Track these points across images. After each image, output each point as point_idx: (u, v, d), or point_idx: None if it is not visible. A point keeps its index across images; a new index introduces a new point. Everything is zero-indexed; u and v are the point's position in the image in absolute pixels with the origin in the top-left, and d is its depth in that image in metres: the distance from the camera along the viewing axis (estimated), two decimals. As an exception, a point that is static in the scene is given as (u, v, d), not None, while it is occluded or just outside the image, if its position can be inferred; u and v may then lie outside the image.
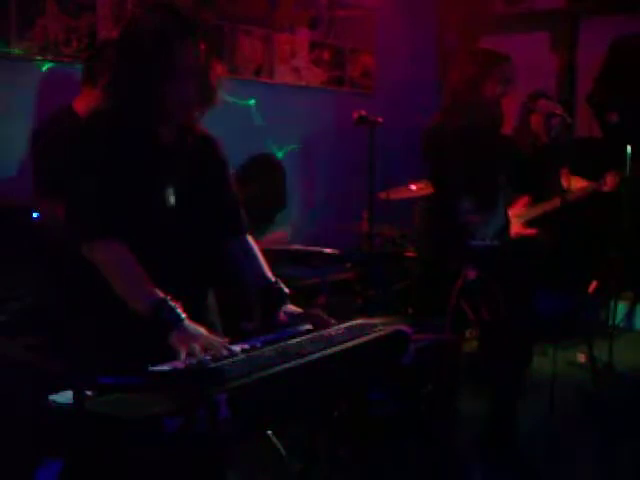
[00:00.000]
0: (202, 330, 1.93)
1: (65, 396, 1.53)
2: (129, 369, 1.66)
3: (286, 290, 2.21)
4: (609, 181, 4.30)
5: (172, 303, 1.92)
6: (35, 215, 3.22)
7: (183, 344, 1.85)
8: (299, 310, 2.18)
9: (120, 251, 1.97)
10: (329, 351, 1.81)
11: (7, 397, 2.43)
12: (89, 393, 1.52)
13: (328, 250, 4.05)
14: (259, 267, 2.25)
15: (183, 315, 1.92)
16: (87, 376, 1.57)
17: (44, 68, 3.78)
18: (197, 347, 1.83)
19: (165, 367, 1.76)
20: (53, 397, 1.55)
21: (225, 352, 1.83)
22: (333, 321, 2.12)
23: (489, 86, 3.21)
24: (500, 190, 3.46)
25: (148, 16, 2.01)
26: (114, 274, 1.97)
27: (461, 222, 3.19)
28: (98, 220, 1.99)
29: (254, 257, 2.27)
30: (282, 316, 2.15)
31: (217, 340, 1.90)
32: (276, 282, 2.22)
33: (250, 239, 2.29)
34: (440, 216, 3.31)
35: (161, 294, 1.93)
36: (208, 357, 1.79)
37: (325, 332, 2.10)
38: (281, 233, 4.49)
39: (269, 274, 2.25)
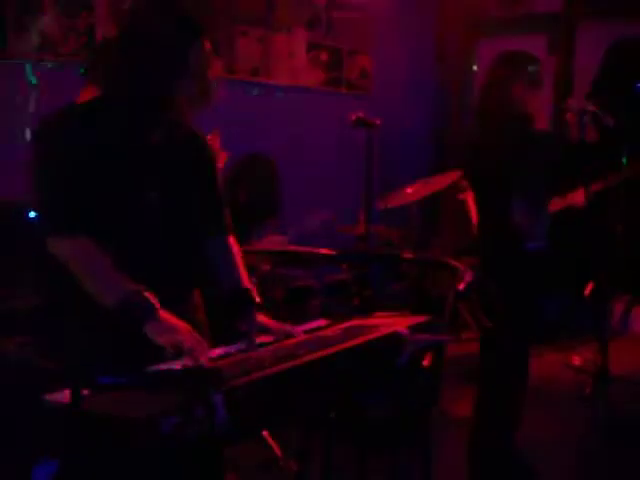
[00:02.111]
0: (182, 324, 1.89)
1: (62, 395, 1.53)
2: (126, 368, 1.66)
3: (257, 300, 2.13)
4: (577, 197, 4.16)
5: (144, 294, 1.86)
6: (32, 214, 3.21)
7: (161, 335, 1.82)
8: (267, 324, 2.10)
9: (85, 245, 1.93)
10: (325, 352, 1.81)
11: (3, 396, 2.42)
12: (86, 392, 1.52)
13: (324, 251, 4.04)
14: (234, 271, 2.18)
15: (156, 306, 1.87)
16: (84, 375, 1.57)
17: (42, 67, 3.78)
18: (179, 338, 1.81)
19: (162, 367, 1.76)
20: (49, 396, 1.55)
21: (202, 353, 1.81)
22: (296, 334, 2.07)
23: (518, 87, 3.18)
24: (546, 190, 3.40)
25: (153, 15, 1.98)
26: (80, 269, 1.93)
27: (515, 224, 3.13)
28: (64, 215, 1.95)
29: (232, 260, 2.20)
30: (244, 327, 2.06)
31: (198, 337, 1.87)
32: (248, 290, 2.14)
33: (232, 241, 2.23)
34: (493, 220, 3.24)
35: (132, 285, 1.88)
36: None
37: (322, 333, 2.11)
38: (278, 237, 4.48)
39: (244, 280, 2.17)
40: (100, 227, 1.96)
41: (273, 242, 4.47)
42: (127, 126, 2.02)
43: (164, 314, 1.88)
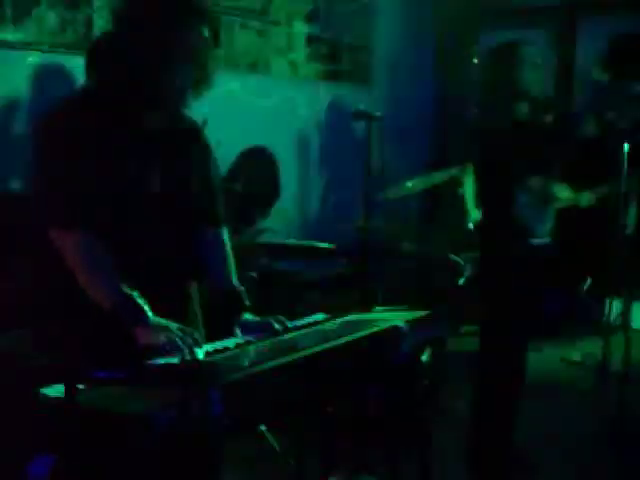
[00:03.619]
0: (171, 324, 1.88)
1: (56, 389, 1.51)
2: (122, 363, 1.65)
3: (246, 302, 2.13)
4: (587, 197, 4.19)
5: (137, 300, 1.87)
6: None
7: (150, 336, 1.82)
8: (254, 320, 2.10)
9: (87, 242, 1.92)
10: (323, 346, 1.79)
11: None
12: (81, 387, 1.50)
13: (323, 245, 4.03)
14: (224, 267, 2.17)
15: (148, 313, 1.87)
16: (79, 369, 1.55)
17: (39, 58, 3.75)
18: (163, 336, 1.81)
19: (158, 361, 1.74)
20: (44, 390, 1.53)
21: (190, 346, 1.80)
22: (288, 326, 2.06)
23: (521, 73, 3.13)
24: (552, 184, 3.37)
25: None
26: (79, 265, 1.93)
27: (519, 219, 3.10)
28: (66, 208, 1.93)
29: (222, 254, 2.19)
30: (237, 328, 2.07)
31: (190, 331, 1.87)
32: (238, 290, 2.14)
33: (225, 234, 2.22)
34: (496, 214, 3.20)
35: (126, 291, 1.88)
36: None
37: (320, 327, 2.09)
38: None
39: (234, 278, 2.17)
40: (100, 218, 1.95)
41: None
42: (125, 115, 2.00)
43: (154, 319, 1.87)
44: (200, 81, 2.03)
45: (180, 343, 1.80)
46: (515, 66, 3.13)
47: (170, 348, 1.79)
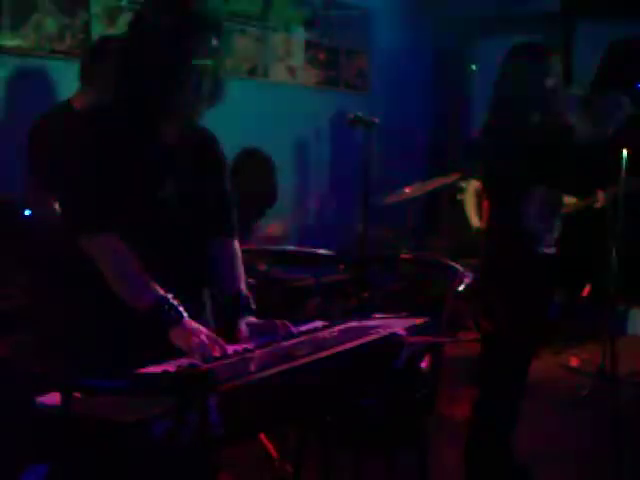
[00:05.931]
0: (202, 328, 1.92)
1: (52, 398, 1.50)
2: (120, 370, 1.64)
3: (252, 306, 2.15)
4: (600, 198, 4.29)
5: (173, 301, 1.92)
6: (27, 212, 3.18)
7: (184, 340, 1.86)
8: (258, 322, 2.11)
9: (119, 247, 1.96)
10: (322, 354, 1.79)
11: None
12: (77, 395, 1.49)
13: (322, 251, 4.02)
14: (233, 274, 2.20)
15: (184, 313, 1.92)
16: (75, 378, 1.54)
17: (37, 64, 3.75)
18: (198, 342, 1.83)
19: (155, 370, 1.73)
20: (40, 399, 1.52)
21: (218, 352, 1.82)
22: (292, 330, 2.05)
23: (541, 80, 3.05)
24: (560, 193, 3.32)
25: (159, 12, 1.98)
26: (112, 270, 1.96)
27: (527, 228, 3.05)
28: (97, 214, 1.97)
29: (232, 262, 2.21)
30: (242, 329, 2.08)
31: (215, 338, 1.89)
32: (245, 296, 2.16)
33: (235, 243, 2.24)
34: (504, 223, 3.14)
35: (162, 292, 1.93)
36: (200, 357, 1.78)
37: (319, 334, 2.08)
38: (276, 227, 4.47)
39: (242, 284, 2.19)
40: (117, 225, 1.98)
41: (275, 231, 4.46)
42: (139, 127, 2.01)
43: (188, 321, 1.92)
44: (214, 92, 2.03)
45: (209, 348, 1.82)
46: (545, 70, 3.06)
47: (201, 351, 1.81)
